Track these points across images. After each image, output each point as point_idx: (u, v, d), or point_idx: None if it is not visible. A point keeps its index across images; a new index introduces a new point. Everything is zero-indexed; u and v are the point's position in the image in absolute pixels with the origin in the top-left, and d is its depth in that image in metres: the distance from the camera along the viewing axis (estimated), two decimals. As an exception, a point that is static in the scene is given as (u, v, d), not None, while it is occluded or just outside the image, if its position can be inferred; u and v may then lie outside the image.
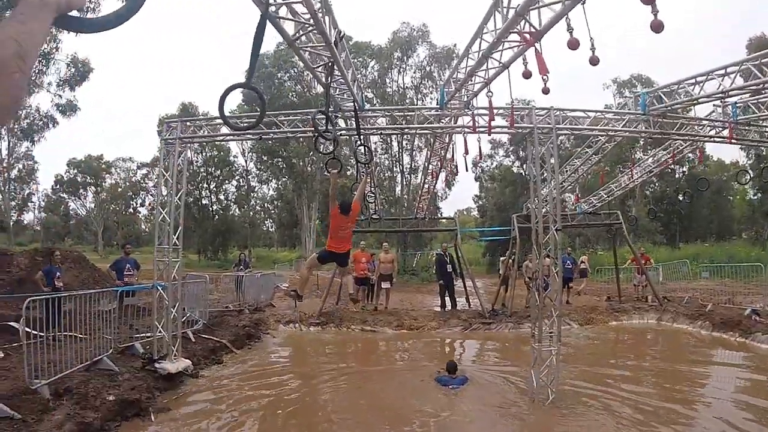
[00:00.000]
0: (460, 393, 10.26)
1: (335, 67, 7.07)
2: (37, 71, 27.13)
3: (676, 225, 49.44)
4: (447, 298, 19.62)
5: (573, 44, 5.51)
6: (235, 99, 42.18)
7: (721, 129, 12.20)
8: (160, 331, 10.81)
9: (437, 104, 11.31)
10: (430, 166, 21.47)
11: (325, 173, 43.23)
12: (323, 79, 7.42)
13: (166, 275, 10.88)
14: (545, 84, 6.53)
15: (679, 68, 51.73)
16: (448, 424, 8.87)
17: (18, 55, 1.17)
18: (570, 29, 5.50)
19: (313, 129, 10.79)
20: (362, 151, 11.46)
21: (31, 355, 8.13)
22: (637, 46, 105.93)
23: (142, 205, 75.36)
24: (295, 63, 41.39)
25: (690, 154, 23.21)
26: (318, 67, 7.25)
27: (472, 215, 71.10)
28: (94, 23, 1.56)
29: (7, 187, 49.75)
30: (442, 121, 11.41)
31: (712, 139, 12.67)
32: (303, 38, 6.55)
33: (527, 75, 6.60)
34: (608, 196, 22.74)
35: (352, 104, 9.64)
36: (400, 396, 10.39)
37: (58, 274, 12.64)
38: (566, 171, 20.02)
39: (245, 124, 9.26)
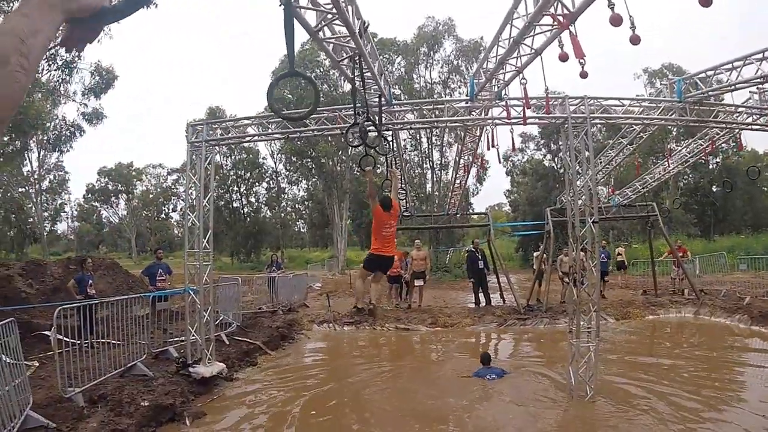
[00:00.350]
0: (497, 388, 10.11)
1: (361, 59, 6.88)
2: (60, 80, 27.32)
3: (711, 217, 48.53)
4: (481, 295, 19.41)
5: (616, 20, 5.23)
6: (261, 102, 42.37)
7: (758, 116, 11.77)
8: (193, 335, 10.73)
9: (467, 96, 11.07)
10: (461, 161, 21.18)
11: (356, 172, 43.26)
12: (349, 73, 7.23)
13: (198, 279, 10.80)
14: (582, 68, 6.27)
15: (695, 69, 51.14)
16: (487, 420, 8.70)
17: (20, 52, 1.09)
18: (611, 5, 5.23)
19: (340, 127, 10.68)
20: (386, 142, 11.18)
21: (64, 364, 8.09)
22: (654, 45, 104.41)
23: (173, 210, 76.26)
24: (320, 62, 41.33)
25: (724, 145, 22.66)
26: (343, 60, 7.07)
27: (504, 210, 70.62)
28: (110, 12, 1.40)
29: (38, 198, 50.45)
30: (473, 113, 11.18)
31: (749, 126, 12.23)
32: (327, 32, 6.39)
33: (564, 58, 6.32)
34: (643, 188, 22.33)
35: (377, 99, 9.42)
36: (435, 392, 10.29)
37: (90, 281, 12.66)
38: (600, 162, 19.68)
39: (298, 115, 9.05)
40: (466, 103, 11.13)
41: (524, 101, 9.43)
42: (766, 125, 11.57)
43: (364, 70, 7.38)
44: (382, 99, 9.14)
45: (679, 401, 9.04)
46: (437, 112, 11.40)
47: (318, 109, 11.39)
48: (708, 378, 10.73)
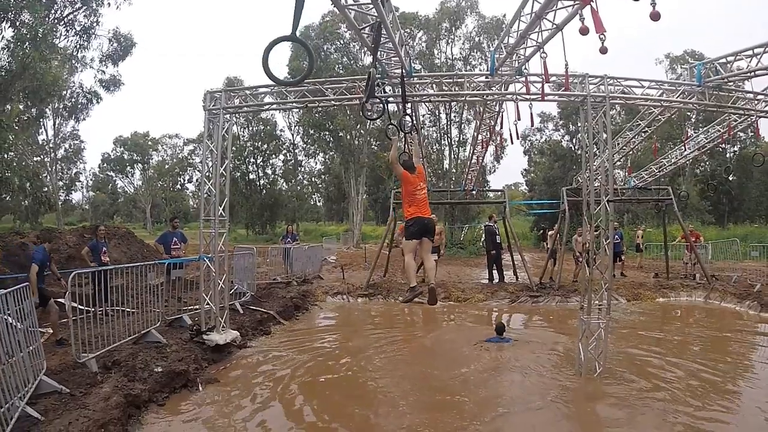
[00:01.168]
0: (509, 356, 10.41)
1: (382, 28, 6.76)
2: (78, 46, 27.03)
3: (725, 205, 48.26)
4: (495, 271, 19.42)
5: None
6: (279, 73, 42.48)
7: (776, 104, 11.62)
8: (207, 303, 10.79)
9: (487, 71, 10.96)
10: (479, 136, 21.03)
11: (374, 147, 43.16)
12: (369, 42, 7.11)
13: (213, 247, 10.82)
14: (602, 43, 6.22)
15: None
16: (499, 387, 8.91)
17: None
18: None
19: (359, 96, 10.60)
20: (408, 120, 11.06)
21: (78, 330, 8.13)
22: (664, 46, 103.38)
23: (189, 181, 76.54)
24: (341, 35, 41.10)
25: (741, 134, 22.37)
26: (364, 28, 6.96)
27: (521, 190, 70.31)
28: None
29: (54, 167, 50.48)
30: (493, 88, 11.07)
31: (767, 114, 12.08)
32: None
33: (584, 31, 6.25)
34: (659, 171, 22.13)
35: (399, 71, 9.31)
36: (446, 362, 10.43)
37: (104, 249, 12.66)
38: (618, 144, 19.54)
39: (291, 80, 8.93)
40: (486, 78, 11.03)
41: (543, 76, 9.31)
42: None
43: (385, 40, 7.27)
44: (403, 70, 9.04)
45: (691, 384, 8.99)
46: (457, 87, 11.29)
47: (337, 78, 11.32)
48: (717, 354, 10.92)
